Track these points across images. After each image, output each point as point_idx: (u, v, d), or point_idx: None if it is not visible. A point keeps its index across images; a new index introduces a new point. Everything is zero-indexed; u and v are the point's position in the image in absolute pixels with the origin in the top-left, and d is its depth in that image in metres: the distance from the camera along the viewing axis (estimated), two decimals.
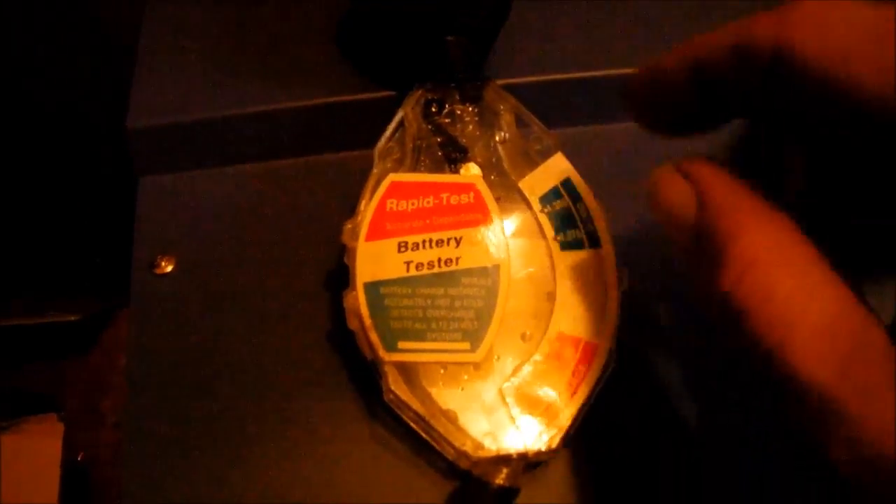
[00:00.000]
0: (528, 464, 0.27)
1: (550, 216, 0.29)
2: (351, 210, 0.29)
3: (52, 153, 0.39)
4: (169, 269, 0.32)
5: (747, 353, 0.17)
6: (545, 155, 0.30)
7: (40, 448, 0.41)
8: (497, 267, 0.28)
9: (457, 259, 0.28)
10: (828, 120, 0.18)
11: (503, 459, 0.26)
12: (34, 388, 0.47)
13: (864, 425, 0.15)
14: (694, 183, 0.20)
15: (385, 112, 0.31)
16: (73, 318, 0.45)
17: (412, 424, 0.27)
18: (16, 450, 0.41)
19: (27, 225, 0.44)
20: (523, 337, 0.28)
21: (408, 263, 0.28)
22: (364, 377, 0.28)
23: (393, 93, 0.33)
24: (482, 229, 0.28)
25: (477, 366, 0.27)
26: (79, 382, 0.48)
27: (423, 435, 0.27)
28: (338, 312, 0.30)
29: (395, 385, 0.27)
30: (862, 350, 0.16)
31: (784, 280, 0.17)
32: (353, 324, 0.27)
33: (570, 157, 0.30)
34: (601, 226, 0.29)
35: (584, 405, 0.27)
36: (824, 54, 0.17)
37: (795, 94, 0.18)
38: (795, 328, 0.16)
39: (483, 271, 0.28)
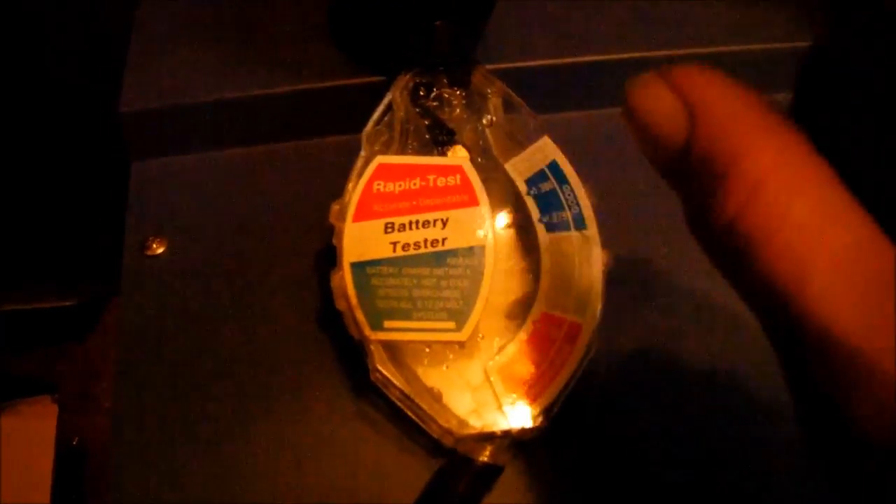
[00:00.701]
0: (513, 442, 0.27)
1: (536, 198, 0.29)
2: (339, 193, 0.29)
3: (44, 138, 0.39)
4: (160, 251, 0.32)
5: (756, 299, 0.15)
6: (532, 138, 0.30)
7: (34, 430, 0.41)
8: (483, 248, 0.28)
9: (443, 240, 0.28)
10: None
11: (487, 437, 0.26)
12: (30, 373, 0.47)
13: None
14: (684, 93, 0.16)
15: (374, 97, 0.31)
16: (69, 304, 0.46)
17: (398, 403, 0.27)
18: (9, 431, 0.41)
19: (21, 211, 0.44)
20: (508, 316, 0.28)
21: (394, 244, 0.28)
22: (351, 357, 0.29)
23: (382, 78, 0.33)
24: (468, 211, 0.29)
25: (462, 345, 0.27)
26: (74, 368, 0.48)
27: (409, 413, 0.27)
28: (326, 293, 0.30)
29: (381, 364, 0.27)
30: (891, 285, 0.13)
31: (798, 203, 0.14)
32: (340, 304, 0.28)
33: (557, 141, 0.30)
34: (587, 208, 0.29)
35: (567, 384, 0.27)
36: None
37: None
38: (815, 260, 0.14)
39: (469, 252, 0.28)
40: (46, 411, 0.42)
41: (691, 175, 0.16)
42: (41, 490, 0.41)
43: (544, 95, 0.32)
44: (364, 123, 0.30)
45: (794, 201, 0.14)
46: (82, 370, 0.48)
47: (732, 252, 0.15)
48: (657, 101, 0.16)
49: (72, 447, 0.46)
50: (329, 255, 0.29)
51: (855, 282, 0.13)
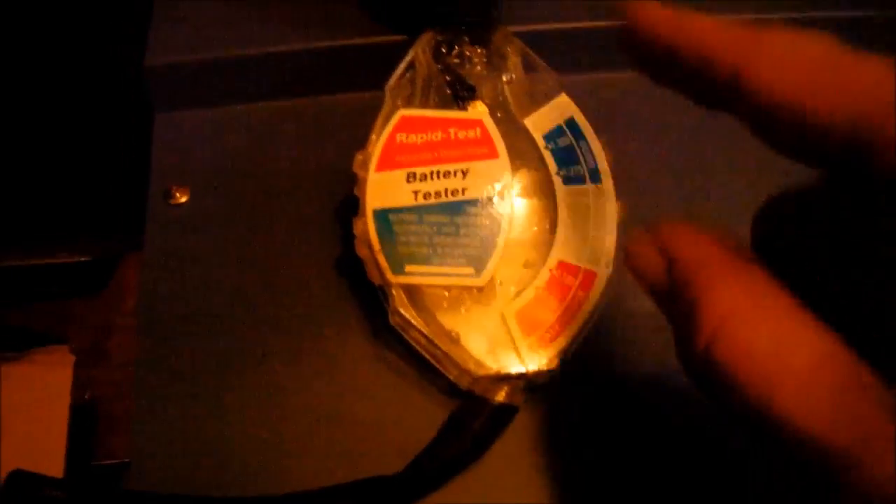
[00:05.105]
0: (527, 384, 0.28)
1: (554, 152, 0.30)
2: (361, 145, 0.30)
3: (67, 92, 0.40)
4: (183, 199, 0.33)
5: (737, 410, 0.17)
6: (550, 96, 0.31)
7: (51, 378, 0.42)
8: (501, 198, 0.29)
9: (463, 190, 0.29)
10: (782, 138, 0.18)
11: (503, 378, 0.27)
12: (43, 327, 0.48)
13: (867, 472, 0.15)
14: (664, 247, 0.20)
15: (396, 55, 0.32)
16: (83, 259, 0.46)
17: (415, 345, 0.28)
18: (25, 380, 0.42)
19: (39, 165, 0.45)
20: (525, 264, 0.29)
21: (416, 193, 0.29)
22: (370, 303, 0.30)
23: (405, 37, 0.34)
24: (488, 163, 0.29)
25: (480, 290, 0.28)
26: (87, 323, 0.49)
27: (426, 355, 0.28)
28: (346, 241, 0.31)
29: (402, 306, 0.28)
30: (852, 393, 0.15)
31: (761, 331, 0.17)
32: (361, 250, 0.29)
33: (575, 101, 0.31)
34: (602, 163, 0.30)
35: (581, 329, 0.28)
36: (779, 91, 0.17)
37: (749, 109, 0.18)
38: (780, 381, 0.16)
39: (488, 201, 0.29)
40: (63, 360, 0.42)
41: (675, 309, 0.19)
42: (57, 439, 0.41)
43: (563, 57, 0.33)
44: (386, 81, 0.31)
45: (756, 331, 0.16)
46: (95, 325, 0.49)
47: (711, 377, 0.17)
48: (644, 256, 0.20)
49: (84, 401, 0.47)
50: (349, 205, 0.30)
51: (817, 393, 0.15)
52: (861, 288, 0.18)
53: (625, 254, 0.21)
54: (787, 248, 0.20)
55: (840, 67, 0.17)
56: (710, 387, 0.17)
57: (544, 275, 0.29)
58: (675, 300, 0.19)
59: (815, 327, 0.16)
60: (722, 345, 0.17)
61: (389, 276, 0.28)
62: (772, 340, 0.16)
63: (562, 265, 0.29)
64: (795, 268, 0.19)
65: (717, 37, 0.19)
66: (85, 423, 0.47)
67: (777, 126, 0.17)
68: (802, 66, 0.17)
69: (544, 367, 0.27)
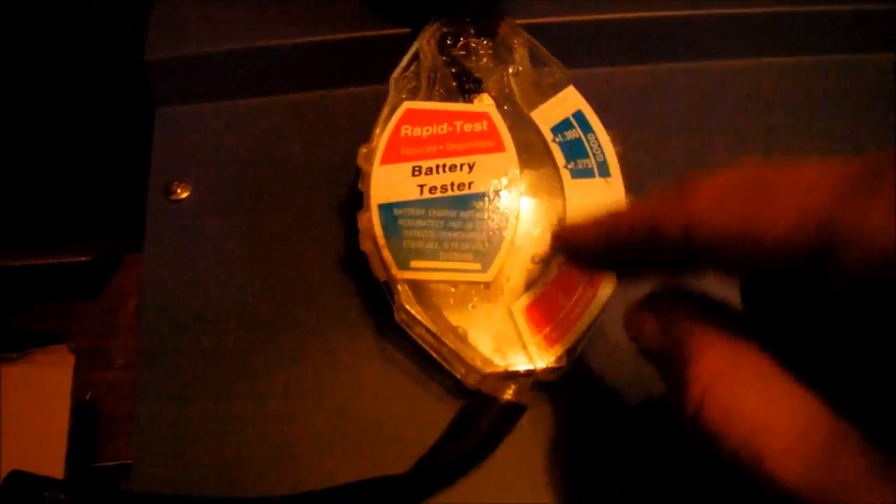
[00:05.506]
0: (536, 382, 0.27)
1: (561, 145, 0.30)
2: (365, 140, 0.29)
3: (67, 88, 0.39)
4: (185, 195, 0.32)
5: (727, 463, 0.18)
6: (557, 88, 0.31)
7: (51, 378, 0.41)
8: (508, 192, 0.28)
9: (469, 184, 0.28)
10: (744, 270, 0.19)
11: (511, 376, 0.27)
12: (44, 327, 0.48)
13: None
14: (660, 316, 0.21)
15: (401, 48, 0.31)
16: (84, 260, 0.46)
17: (421, 342, 0.28)
18: (25, 380, 0.42)
19: (40, 163, 0.44)
20: (533, 259, 0.28)
21: (421, 187, 0.28)
22: (375, 300, 0.29)
23: (409, 29, 0.33)
24: (495, 156, 0.29)
25: (487, 285, 0.28)
26: (88, 324, 0.49)
27: (432, 353, 0.28)
28: (349, 237, 0.31)
29: (408, 303, 0.27)
30: (835, 453, 0.16)
31: (746, 396, 0.18)
32: (366, 246, 0.28)
33: (582, 94, 0.31)
34: (611, 157, 0.29)
35: (590, 326, 0.27)
36: (728, 229, 0.18)
37: (707, 259, 0.19)
38: (767, 444, 0.17)
39: (495, 195, 0.28)
40: (63, 361, 0.42)
41: (668, 371, 0.20)
42: (58, 440, 0.41)
43: (570, 49, 0.33)
44: (390, 74, 0.30)
45: (741, 396, 0.18)
46: (96, 326, 0.49)
47: (700, 431, 0.18)
48: (640, 321, 0.22)
49: (85, 402, 0.46)
50: (352, 201, 0.29)
51: (800, 455, 0.17)
52: (841, 339, 0.19)
53: (623, 319, 0.22)
54: (771, 299, 0.21)
55: (779, 182, 0.17)
56: (702, 443, 0.18)
57: (552, 270, 0.28)
58: (668, 362, 0.20)
59: (798, 390, 0.18)
60: (711, 407, 0.18)
61: (395, 271, 0.27)
62: (758, 404, 0.17)
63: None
64: (781, 319, 0.20)
65: (652, 212, 0.20)
66: (85, 424, 0.47)
67: (741, 259, 0.18)
68: (741, 198, 0.18)
69: (553, 365, 0.27)
